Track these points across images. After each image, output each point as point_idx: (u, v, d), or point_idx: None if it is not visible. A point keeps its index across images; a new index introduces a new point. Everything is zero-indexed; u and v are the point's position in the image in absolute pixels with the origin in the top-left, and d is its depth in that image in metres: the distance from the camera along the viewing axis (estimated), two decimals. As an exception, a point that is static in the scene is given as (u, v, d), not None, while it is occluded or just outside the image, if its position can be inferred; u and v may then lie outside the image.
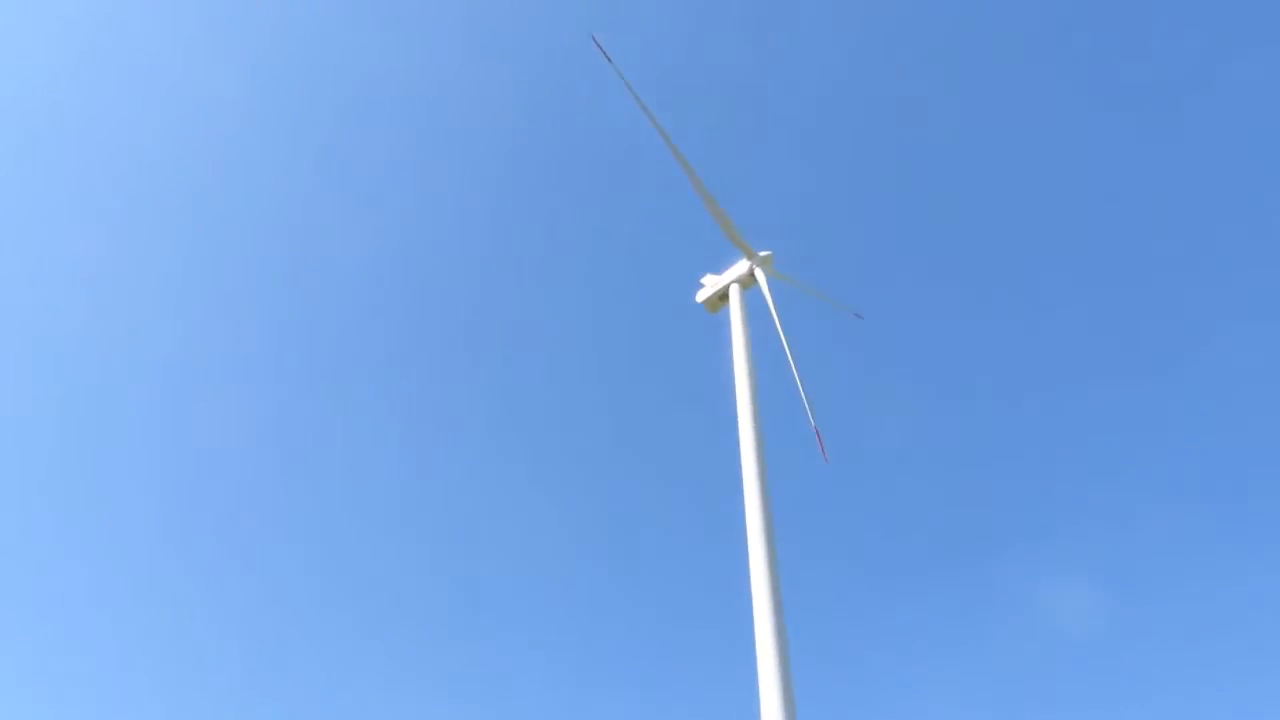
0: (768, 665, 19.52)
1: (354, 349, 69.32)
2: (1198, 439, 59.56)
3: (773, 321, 29.15)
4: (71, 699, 58.02)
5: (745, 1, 69.63)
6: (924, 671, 54.57)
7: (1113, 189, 65.43)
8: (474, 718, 56.95)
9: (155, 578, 62.75)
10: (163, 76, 68.58)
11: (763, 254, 30.42)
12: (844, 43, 69.68)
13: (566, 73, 70.42)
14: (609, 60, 30.49)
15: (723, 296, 30.61)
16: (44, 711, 57.21)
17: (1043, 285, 65.63)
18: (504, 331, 70.17)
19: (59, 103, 68.21)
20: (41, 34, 68.65)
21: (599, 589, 61.80)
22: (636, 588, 61.75)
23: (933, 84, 68.94)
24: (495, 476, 66.59)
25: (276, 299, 69.55)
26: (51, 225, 68.46)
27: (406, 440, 67.57)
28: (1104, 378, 62.04)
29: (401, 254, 71.05)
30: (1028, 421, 62.72)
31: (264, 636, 60.94)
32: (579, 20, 67.88)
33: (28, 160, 68.35)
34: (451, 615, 61.95)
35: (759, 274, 29.83)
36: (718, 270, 31.13)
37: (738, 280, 30.12)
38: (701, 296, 31.05)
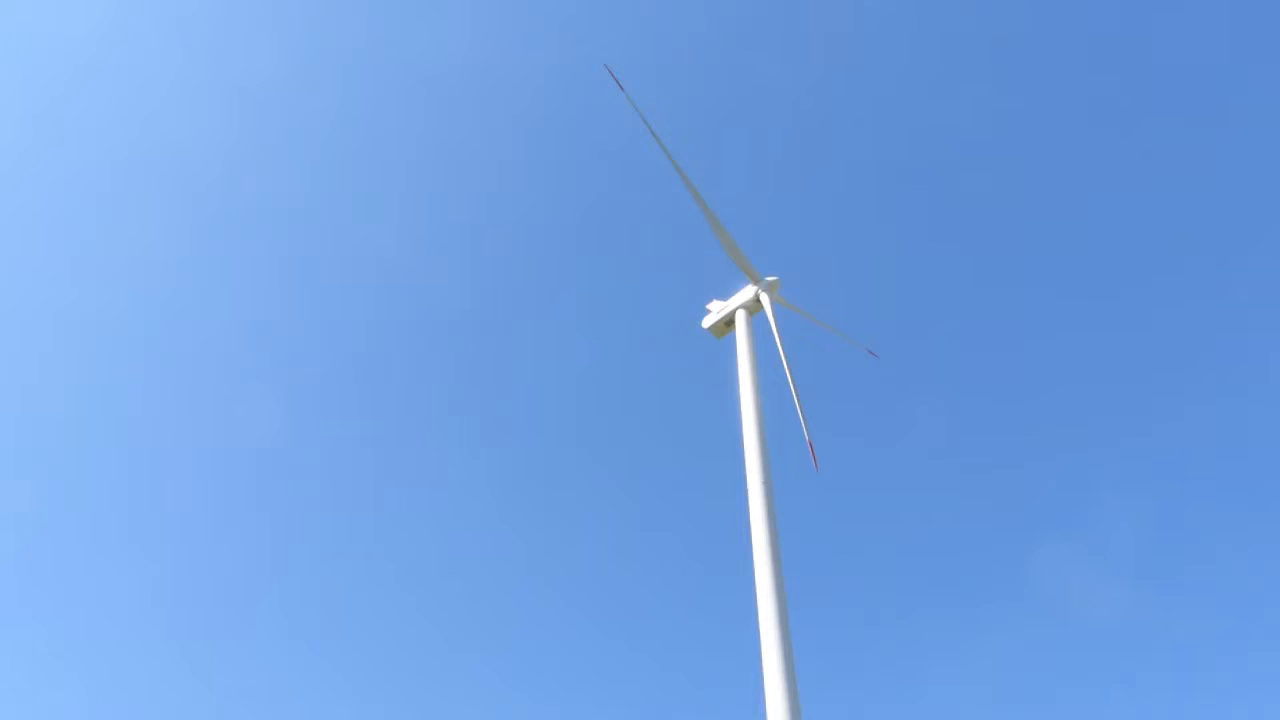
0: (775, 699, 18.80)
1: (354, 353, 69.31)
2: (1233, 439, 58.14)
3: (778, 348, 28.55)
4: (68, 698, 57.93)
5: (760, 20, 69.44)
6: (929, 687, 53.22)
7: (1148, 192, 64.40)
8: None
9: (127, 579, 62.20)
10: (163, 76, 69.31)
11: (769, 279, 29.86)
12: (859, 61, 69.26)
13: (571, 91, 70.43)
14: (621, 89, 30.23)
15: (729, 322, 30.07)
16: (44, 711, 57.19)
17: (1069, 287, 64.57)
18: (508, 341, 69.94)
19: (59, 102, 69.08)
20: (42, 35, 69.70)
21: (603, 613, 60.95)
22: (637, 609, 60.86)
23: (944, 100, 68.31)
24: (496, 503, 66.06)
25: (277, 298, 69.68)
26: (41, 222, 69.13)
27: (407, 452, 67.28)
28: (1127, 380, 60.82)
29: (401, 257, 71.11)
30: (1052, 421, 61.54)
31: (246, 639, 60.55)
32: (590, 47, 67.88)
33: (28, 160, 69.10)
34: (451, 624, 61.34)
35: (764, 299, 29.26)
36: (724, 296, 30.62)
37: (744, 306, 29.55)
38: (707, 322, 30.50)
